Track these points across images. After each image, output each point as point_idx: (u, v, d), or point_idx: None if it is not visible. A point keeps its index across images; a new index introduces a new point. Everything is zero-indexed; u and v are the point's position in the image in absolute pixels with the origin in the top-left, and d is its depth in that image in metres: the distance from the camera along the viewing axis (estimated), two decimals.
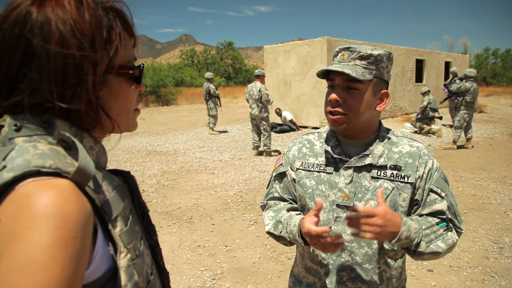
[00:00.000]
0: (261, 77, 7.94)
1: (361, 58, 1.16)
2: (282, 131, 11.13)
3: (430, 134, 10.29)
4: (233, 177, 6.36)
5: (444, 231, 1.17)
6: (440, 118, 10.59)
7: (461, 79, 8.84)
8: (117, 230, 0.62)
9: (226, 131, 11.64)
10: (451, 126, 10.68)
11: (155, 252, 0.78)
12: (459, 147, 8.54)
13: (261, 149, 8.21)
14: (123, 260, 0.61)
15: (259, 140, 8.08)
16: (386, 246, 1.21)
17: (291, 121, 11.43)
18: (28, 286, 0.46)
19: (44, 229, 0.49)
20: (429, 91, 10.55)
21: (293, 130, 11.38)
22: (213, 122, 11.20)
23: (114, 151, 8.73)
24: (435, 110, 10.24)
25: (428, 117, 10.25)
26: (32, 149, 0.56)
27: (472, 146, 8.61)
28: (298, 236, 1.18)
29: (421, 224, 1.13)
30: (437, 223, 1.17)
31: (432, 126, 10.58)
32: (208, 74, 11.39)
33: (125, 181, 0.76)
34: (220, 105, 11.50)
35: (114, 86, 0.68)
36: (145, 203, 0.80)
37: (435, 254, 1.14)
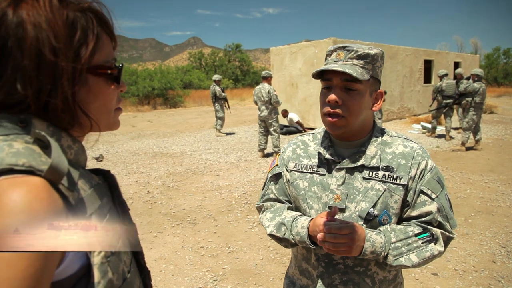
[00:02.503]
0: (268, 79, 7.96)
1: (359, 57, 1.14)
2: (289, 133, 11.11)
3: (440, 133, 9.92)
4: (238, 178, 6.36)
5: (423, 243, 1.14)
6: (458, 103, 9.23)
7: (467, 79, 8.67)
8: None
9: (233, 133, 11.66)
10: (456, 129, 10.42)
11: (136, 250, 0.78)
12: (468, 148, 8.42)
13: (270, 150, 8.21)
14: (96, 258, 0.61)
15: (266, 142, 8.08)
16: None
17: (297, 122, 11.41)
18: None
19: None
20: (446, 74, 9.56)
21: (300, 131, 11.35)
22: (220, 124, 11.23)
23: (122, 153, 8.80)
24: (449, 97, 9.36)
25: (442, 105, 9.50)
26: (7, 147, 0.57)
27: (481, 148, 8.48)
28: (307, 238, 1.17)
29: (390, 238, 1.12)
30: (417, 234, 1.14)
31: (439, 127, 10.42)
32: (216, 77, 11.45)
33: (106, 180, 0.76)
34: (229, 107, 11.53)
35: (93, 85, 0.68)
36: (126, 202, 0.80)
37: (405, 267, 1.13)
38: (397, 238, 1.12)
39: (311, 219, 1.18)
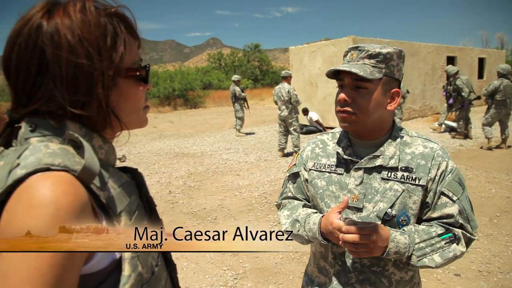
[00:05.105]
0: (288, 78, 7.99)
1: (370, 57, 1.16)
2: (309, 132, 11.07)
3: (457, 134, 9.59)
4: (258, 178, 6.40)
5: (446, 243, 1.14)
6: (478, 98, 8.98)
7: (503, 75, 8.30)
8: (122, 224, 0.66)
9: (252, 133, 11.70)
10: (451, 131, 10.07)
11: None
12: (495, 147, 8.17)
13: (290, 150, 8.23)
14: (127, 252, 0.65)
15: (286, 142, 8.09)
16: None
17: (317, 121, 11.35)
18: (24, 269, 0.52)
19: (39, 217, 0.54)
20: (458, 71, 9.24)
21: (320, 131, 11.30)
22: (240, 124, 11.29)
23: (144, 154, 8.98)
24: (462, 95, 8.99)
25: (462, 104, 9.08)
26: (44, 148, 0.62)
27: (509, 146, 8.22)
28: (319, 234, 1.19)
29: (414, 238, 1.12)
30: (440, 235, 1.15)
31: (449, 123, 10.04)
32: (235, 77, 11.54)
33: (134, 178, 0.81)
34: (248, 107, 11.57)
35: (123, 88, 0.72)
36: (152, 199, 0.85)
37: (428, 268, 1.14)
38: (420, 238, 1.13)
39: (322, 216, 1.20)
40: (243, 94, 11.26)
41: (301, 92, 12.54)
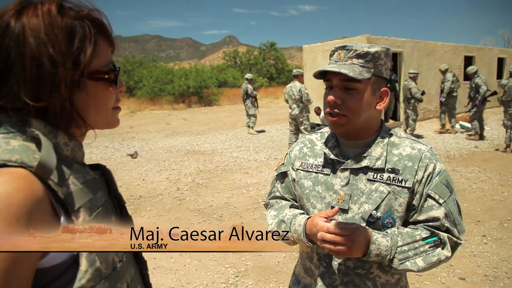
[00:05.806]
0: (299, 77, 7.97)
1: (358, 56, 1.14)
2: None
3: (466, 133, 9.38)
4: (267, 177, 6.40)
5: (430, 247, 1.12)
6: (495, 93, 8.78)
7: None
8: (80, 220, 0.67)
9: (264, 131, 11.69)
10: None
11: None
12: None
13: None
14: None
15: (296, 141, 8.05)
16: None
17: None
18: None
19: None
20: (476, 72, 9.07)
21: None
22: (253, 121, 11.27)
23: (155, 150, 9.07)
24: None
25: (476, 104, 8.89)
26: (4, 145, 0.63)
27: None
28: (303, 236, 1.18)
29: (397, 241, 1.10)
30: (424, 238, 1.12)
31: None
32: (248, 75, 11.58)
33: (103, 175, 0.82)
34: (257, 106, 11.56)
35: (91, 89, 0.73)
36: (121, 196, 0.86)
37: (410, 271, 1.11)
38: (404, 241, 1.11)
39: (308, 217, 1.19)
40: (254, 92, 11.27)
41: (314, 91, 12.44)
